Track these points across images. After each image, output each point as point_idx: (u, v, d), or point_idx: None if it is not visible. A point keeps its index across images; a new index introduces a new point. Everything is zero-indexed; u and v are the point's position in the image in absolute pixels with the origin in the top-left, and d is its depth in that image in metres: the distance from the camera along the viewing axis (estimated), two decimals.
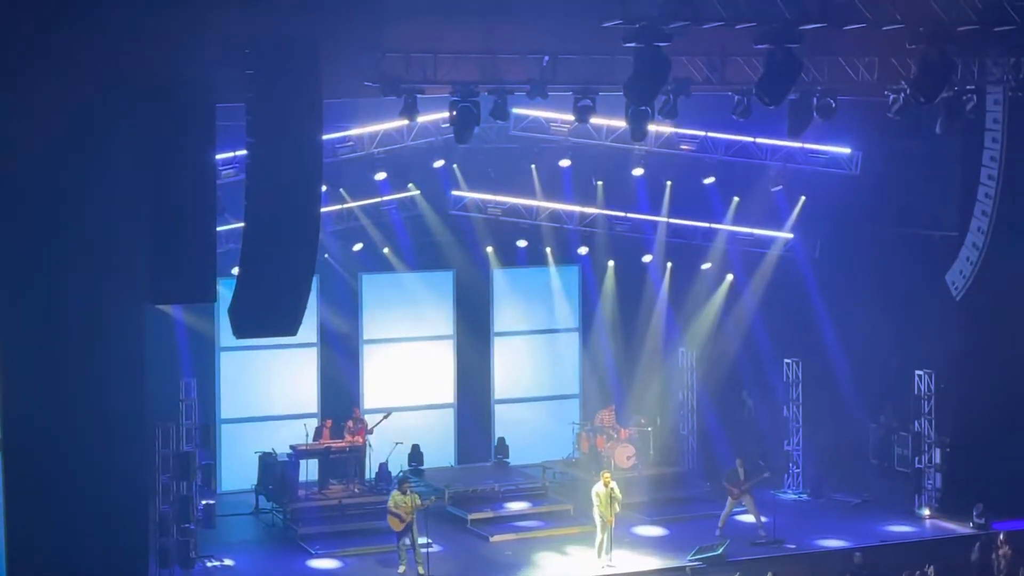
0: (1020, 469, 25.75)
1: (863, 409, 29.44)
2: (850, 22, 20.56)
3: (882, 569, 22.59)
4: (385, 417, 26.85)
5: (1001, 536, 23.58)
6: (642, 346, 30.24)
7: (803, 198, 28.99)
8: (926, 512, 26.14)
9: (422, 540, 22.90)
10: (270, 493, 25.99)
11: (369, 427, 26.70)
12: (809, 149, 27.74)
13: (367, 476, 26.76)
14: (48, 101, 19.36)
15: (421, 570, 22.39)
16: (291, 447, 26.36)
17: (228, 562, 23.55)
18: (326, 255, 27.14)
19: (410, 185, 27.76)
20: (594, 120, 23.78)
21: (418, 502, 23.03)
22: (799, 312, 29.70)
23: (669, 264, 30.19)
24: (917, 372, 26.56)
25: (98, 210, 20.02)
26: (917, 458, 26.61)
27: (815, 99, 22.58)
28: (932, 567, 21.89)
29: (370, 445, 26.73)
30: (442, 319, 29.61)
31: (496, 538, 24.89)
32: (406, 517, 22.79)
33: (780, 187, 28.48)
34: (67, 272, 20.34)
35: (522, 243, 29.30)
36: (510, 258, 29.65)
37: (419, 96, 21.30)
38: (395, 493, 23.30)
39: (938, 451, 26.25)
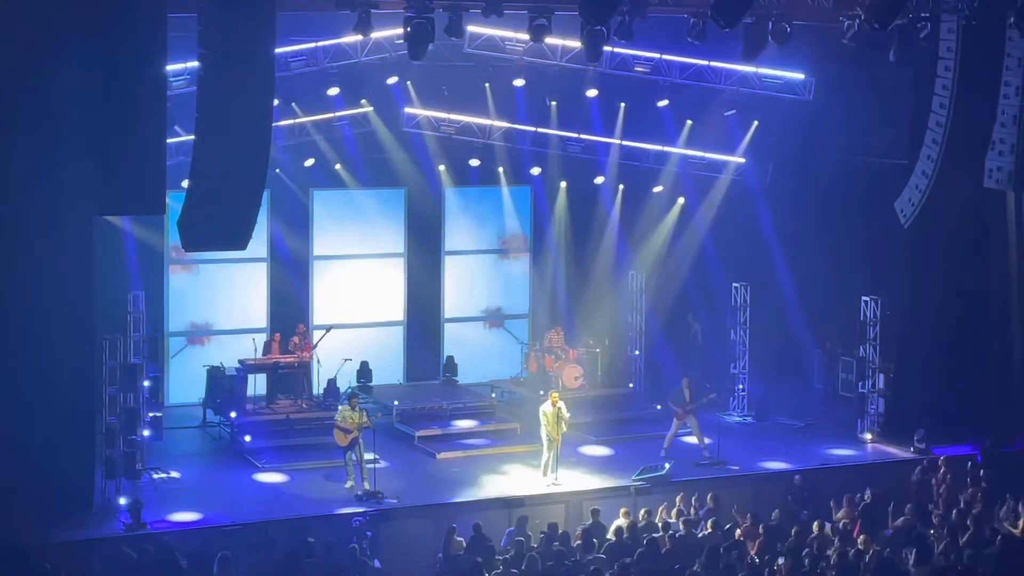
0: (961, 396, 26.07)
1: (809, 334, 29.72)
2: None
3: (822, 491, 22.85)
4: (326, 333, 26.83)
5: (940, 460, 24.01)
6: (592, 268, 30.34)
7: (756, 123, 28.99)
8: (868, 437, 26.41)
9: (368, 456, 22.96)
10: (217, 407, 26.01)
11: (313, 343, 26.73)
12: (763, 74, 27.73)
13: (315, 392, 26.82)
14: None
15: (367, 485, 22.49)
16: (239, 361, 26.38)
17: (174, 474, 23.55)
18: (277, 170, 26.96)
19: (363, 101, 27.56)
20: (549, 40, 23.61)
21: (365, 419, 23.12)
22: (749, 236, 29.85)
23: (621, 186, 30.22)
24: (863, 298, 26.74)
25: (47, 119, 19.81)
26: (861, 383, 26.86)
27: (770, 23, 22.46)
28: (870, 490, 22.21)
29: (317, 361, 26.77)
30: (393, 237, 29.56)
31: (443, 455, 24.99)
32: (352, 432, 22.87)
33: (733, 111, 28.47)
34: (16, 182, 20.17)
35: (475, 162, 29.21)
36: (462, 177, 29.58)
37: (373, 11, 21.10)
38: (344, 408, 23.34)
39: (882, 377, 26.49)
